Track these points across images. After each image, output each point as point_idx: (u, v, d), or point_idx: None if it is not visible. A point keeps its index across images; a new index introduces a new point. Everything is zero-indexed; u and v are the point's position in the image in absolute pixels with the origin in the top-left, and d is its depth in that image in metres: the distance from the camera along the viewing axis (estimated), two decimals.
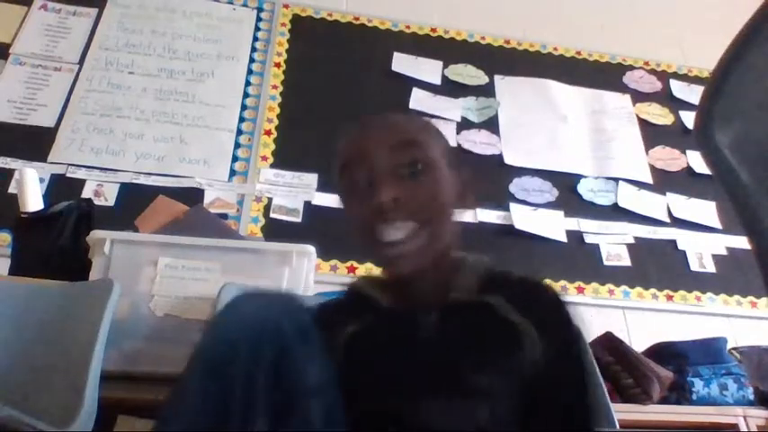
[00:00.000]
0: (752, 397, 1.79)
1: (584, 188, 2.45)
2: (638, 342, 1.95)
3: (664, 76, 2.88)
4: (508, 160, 2.45)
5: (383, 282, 0.88)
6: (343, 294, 0.93)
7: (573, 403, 0.77)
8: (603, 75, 2.81)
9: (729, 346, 1.94)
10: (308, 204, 2.16)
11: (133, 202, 1.95)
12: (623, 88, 2.80)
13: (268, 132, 2.29)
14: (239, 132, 2.28)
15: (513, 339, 0.76)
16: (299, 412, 0.64)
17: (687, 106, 2.77)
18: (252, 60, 2.46)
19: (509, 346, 0.76)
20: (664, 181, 2.56)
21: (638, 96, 2.78)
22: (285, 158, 2.25)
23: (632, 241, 2.37)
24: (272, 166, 2.23)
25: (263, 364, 0.64)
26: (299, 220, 2.13)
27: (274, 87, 2.41)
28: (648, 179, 2.54)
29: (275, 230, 2.06)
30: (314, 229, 2.08)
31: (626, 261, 2.32)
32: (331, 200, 2.19)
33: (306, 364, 0.67)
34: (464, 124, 2.49)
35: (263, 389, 0.63)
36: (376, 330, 0.82)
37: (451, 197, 0.84)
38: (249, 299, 0.72)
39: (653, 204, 2.48)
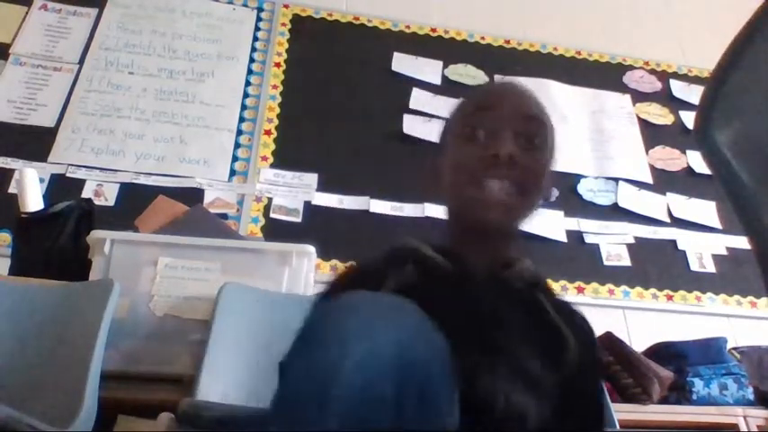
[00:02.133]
0: (752, 397, 1.79)
1: (584, 188, 2.45)
2: (638, 342, 1.95)
3: (664, 76, 2.88)
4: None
5: (437, 245, 0.86)
6: (379, 256, 0.87)
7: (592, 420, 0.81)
8: (603, 75, 2.81)
9: (729, 346, 1.94)
10: (308, 204, 2.16)
11: (133, 202, 1.95)
12: (623, 88, 2.80)
13: (268, 132, 2.29)
14: (239, 132, 2.27)
15: (560, 342, 0.79)
16: None
17: (687, 106, 2.76)
18: (252, 60, 2.46)
19: (558, 347, 0.79)
20: (664, 181, 2.55)
21: (638, 96, 2.78)
22: (285, 158, 2.25)
23: (632, 241, 2.37)
24: (272, 166, 2.22)
25: (407, 417, 0.53)
26: (299, 220, 2.13)
27: (274, 87, 2.40)
28: (648, 179, 2.54)
29: (275, 230, 2.06)
30: (314, 229, 2.08)
31: (626, 261, 2.32)
32: (331, 200, 2.19)
33: (448, 409, 0.58)
34: None
35: None
36: (429, 285, 0.78)
37: (545, 183, 0.89)
38: (374, 315, 0.58)
39: (653, 204, 2.48)
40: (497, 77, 0.92)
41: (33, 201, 1.64)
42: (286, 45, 2.52)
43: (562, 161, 2.49)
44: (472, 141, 0.85)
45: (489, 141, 0.83)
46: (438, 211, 2.34)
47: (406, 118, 2.42)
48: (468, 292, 0.80)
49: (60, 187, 1.99)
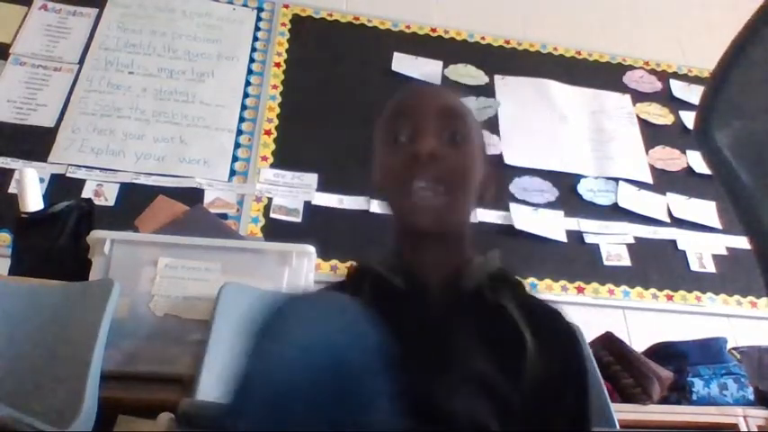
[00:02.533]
0: (752, 397, 1.79)
1: (584, 188, 2.45)
2: (638, 342, 1.95)
3: (664, 76, 2.88)
4: (508, 160, 2.45)
5: (390, 261, 0.85)
6: (342, 279, 0.89)
7: None
8: (603, 75, 2.81)
9: (729, 346, 1.94)
10: (308, 204, 2.16)
11: (133, 202, 1.95)
12: (623, 88, 2.80)
13: (268, 132, 2.29)
14: (239, 132, 2.27)
15: (518, 347, 0.76)
16: None
17: (687, 106, 2.76)
18: (252, 60, 2.46)
19: (519, 350, 0.76)
20: (664, 181, 2.55)
21: (638, 96, 2.78)
22: (285, 158, 2.25)
23: (632, 241, 2.37)
24: (272, 166, 2.22)
25: (324, 410, 0.56)
26: (299, 220, 2.13)
27: (274, 87, 2.40)
28: (648, 179, 2.54)
29: (275, 230, 2.06)
30: (314, 229, 2.08)
31: (626, 261, 2.32)
32: (331, 200, 2.19)
33: (375, 401, 0.59)
34: None
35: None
36: (380, 307, 0.80)
37: (478, 177, 0.86)
38: (303, 315, 0.61)
39: (653, 204, 2.48)
40: (415, 84, 0.94)
41: (33, 201, 1.64)
42: (286, 45, 2.52)
43: (562, 161, 2.51)
44: (394, 146, 0.85)
45: (410, 143, 0.83)
46: None
47: None
48: (419, 308, 0.79)
49: (60, 187, 1.99)
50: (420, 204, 0.80)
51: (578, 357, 0.82)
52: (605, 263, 2.30)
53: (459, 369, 0.73)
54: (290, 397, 0.55)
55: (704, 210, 2.50)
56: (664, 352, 1.84)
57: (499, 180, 0.93)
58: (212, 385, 1.23)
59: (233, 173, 2.18)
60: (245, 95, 2.36)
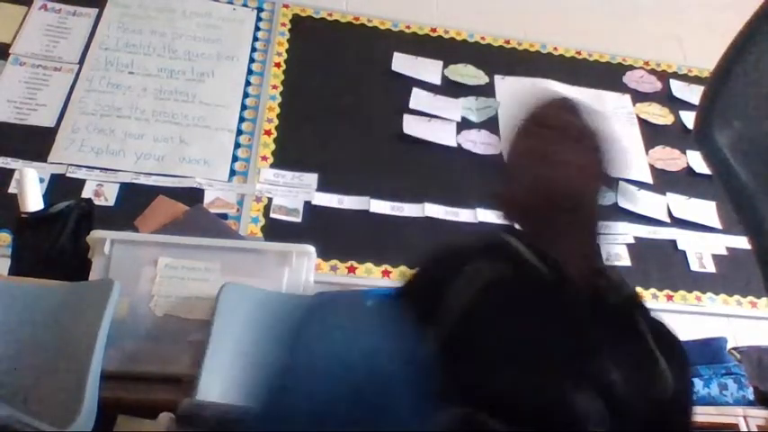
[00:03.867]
0: (752, 397, 1.78)
1: None
2: None
3: (664, 76, 2.88)
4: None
5: (532, 247, 0.83)
6: (477, 241, 0.87)
7: None
8: (603, 75, 2.81)
9: (729, 346, 1.93)
10: (308, 204, 2.16)
11: (133, 202, 1.95)
12: (623, 88, 2.80)
13: (268, 132, 2.29)
14: (239, 132, 2.27)
15: (654, 370, 0.78)
16: None
17: (687, 106, 2.76)
18: (252, 60, 2.46)
19: (652, 374, 0.78)
20: (664, 181, 2.55)
21: (638, 96, 2.78)
22: (285, 158, 2.24)
23: (632, 241, 2.37)
24: (272, 166, 2.22)
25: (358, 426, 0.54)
26: (299, 220, 2.13)
27: (274, 87, 2.40)
28: (648, 179, 2.54)
29: (275, 230, 2.06)
30: (314, 229, 2.08)
31: (626, 261, 2.32)
32: (331, 200, 2.19)
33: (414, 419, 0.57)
34: (464, 124, 2.48)
35: None
36: (525, 288, 0.77)
37: (610, 171, 0.89)
38: (327, 322, 0.60)
39: (653, 204, 2.48)
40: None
41: (33, 201, 1.64)
42: (286, 45, 2.52)
43: None
44: (536, 134, 0.87)
45: (560, 126, 0.85)
46: (437, 211, 2.34)
47: (406, 118, 2.42)
48: (566, 303, 0.78)
49: (60, 187, 1.99)
50: (578, 165, 0.82)
51: (692, 383, 0.87)
52: (605, 263, 2.30)
53: (594, 372, 0.73)
54: (331, 410, 0.53)
55: (704, 210, 2.50)
56: None
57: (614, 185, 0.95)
58: (212, 385, 1.23)
59: (233, 173, 2.18)
60: (245, 95, 2.36)
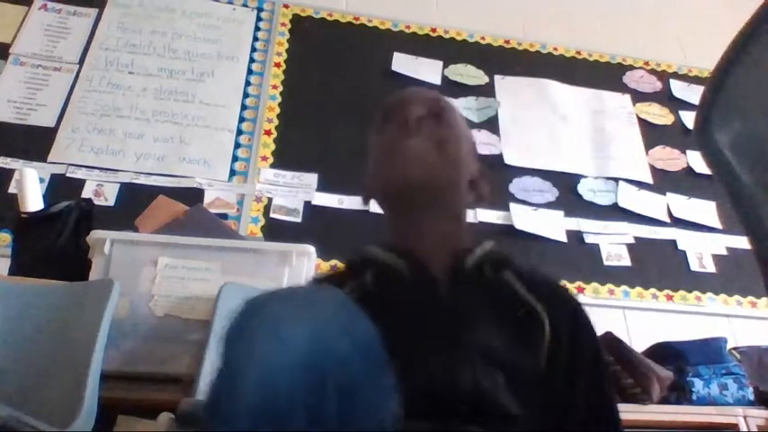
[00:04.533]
0: (752, 397, 1.78)
1: (584, 188, 2.45)
2: (638, 342, 1.95)
3: (664, 76, 2.88)
4: (508, 160, 2.45)
5: (391, 247, 0.86)
6: (340, 270, 0.92)
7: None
8: (603, 75, 2.81)
9: (729, 346, 1.93)
10: (308, 204, 2.16)
11: (133, 202, 1.95)
12: (623, 88, 2.80)
13: (268, 132, 2.29)
14: (239, 132, 2.27)
15: (537, 322, 0.78)
16: None
17: (687, 106, 2.76)
18: (252, 60, 2.46)
19: (535, 327, 0.78)
20: (664, 181, 2.55)
21: (638, 96, 2.78)
22: (285, 158, 2.25)
23: (632, 241, 2.37)
24: (272, 166, 2.22)
25: (327, 414, 0.52)
26: (299, 220, 2.13)
27: (274, 87, 2.40)
28: (648, 179, 2.54)
29: (275, 230, 2.06)
30: (314, 229, 2.08)
31: (626, 261, 2.32)
32: (331, 200, 2.19)
33: (380, 403, 0.56)
34: None
35: None
36: (386, 294, 0.78)
37: (467, 161, 0.91)
38: (285, 311, 0.56)
39: (653, 204, 2.48)
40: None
41: (33, 201, 1.63)
42: (286, 45, 2.52)
43: (562, 161, 2.51)
44: (385, 129, 0.91)
45: (400, 118, 0.88)
46: None
47: None
48: (425, 291, 0.80)
49: (60, 187, 1.99)
50: (410, 155, 0.84)
51: (590, 328, 0.84)
52: (605, 263, 2.30)
53: (471, 346, 0.73)
54: (285, 402, 0.51)
55: (704, 210, 2.50)
56: (664, 352, 1.84)
57: (490, 177, 0.98)
58: None
59: (233, 173, 2.18)
60: (245, 95, 2.36)
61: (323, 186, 2.20)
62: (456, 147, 0.89)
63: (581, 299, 2.29)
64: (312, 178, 2.22)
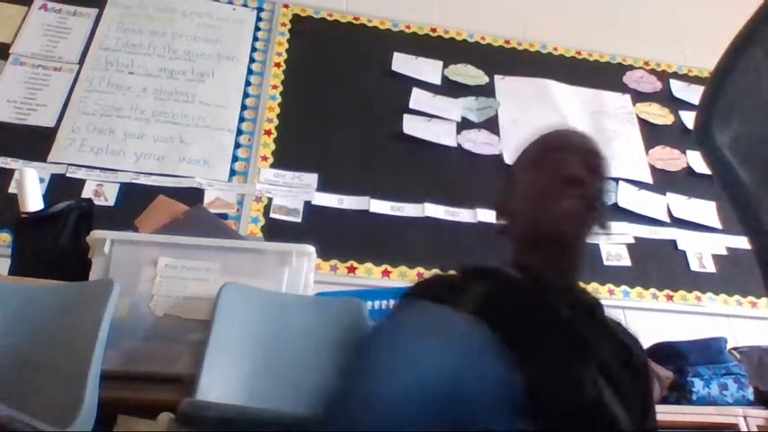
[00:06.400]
0: (752, 397, 1.78)
1: None
2: None
3: (664, 76, 2.88)
4: (508, 160, 2.44)
5: (515, 263, 0.92)
6: (445, 276, 0.95)
7: None
8: (603, 75, 2.81)
9: (729, 346, 1.93)
10: (307, 204, 2.16)
11: (133, 202, 1.95)
12: (623, 88, 2.80)
13: (268, 132, 2.29)
14: (239, 132, 2.27)
15: (629, 353, 0.88)
16: None
17: (687, 106, 2.76)
18: (252, 60, 2.46)
19: (628, 357, 0.87)
20: (664, 181, 2.55)
21: (638, 96, 2.78)
22: (285, 158, 2.25)
23: (632, 241, 2.37)
24: (272, 166, 2.22)
25: None
26: (299, 220, 2.13)
27: (274, 87, 2.40)
28: (648, 179, 2.54)
29: (275, 230, 2.06)
30: (314, 229, 2.08)
31: (626, 261, 2.32)
32: (331, 200, 2.19)
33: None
34: (464, 124, 2.48)
35: None
36: (510, 300, 0.83)
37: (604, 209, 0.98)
38: (418, 339, 0.57)
39: (653, 204, 2.48)
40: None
41: (33, 201, 1.63)
42: (286, 45, 2.52)
43: None
44: (544, 168, 0.94)
45: (559, 168, 0.92)
46: (437, 211, 2.34)
47: (406, 118, 2.42)
48: (550, 308, 0.84)
49: (60, 187, 1.99)
50: (565, 213, 0.90)
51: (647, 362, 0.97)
52: (605, 263, 2.30)
53: (593, 360, 0.79)
54: (403, 422, 0.52)
55: (704, 210, 2.50)
56: (664, 352, 1.84)
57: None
58: (212, 385, 1.23)
59: (233, 173, 2.18)
60: (245, 95, 2.36)
61: (323, 186, 2.20)
62: (601, 207, 0.97)
63: None
64: (312, 178, 2.22)
